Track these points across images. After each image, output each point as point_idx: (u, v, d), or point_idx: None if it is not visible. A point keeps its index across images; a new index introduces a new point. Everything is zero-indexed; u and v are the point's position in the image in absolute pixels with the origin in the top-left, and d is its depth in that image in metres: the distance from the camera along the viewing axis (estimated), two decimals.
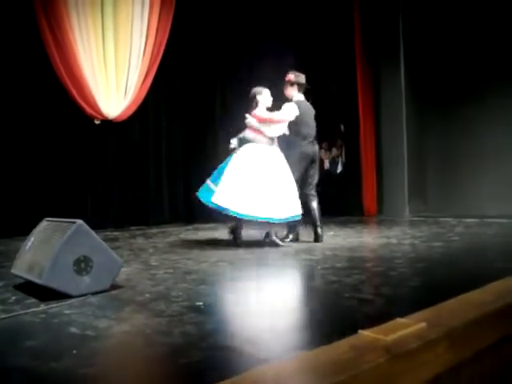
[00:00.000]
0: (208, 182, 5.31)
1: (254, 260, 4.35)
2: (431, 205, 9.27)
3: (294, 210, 5.14)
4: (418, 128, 9.36)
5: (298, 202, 5.21)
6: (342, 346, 1.84)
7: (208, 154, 8.97)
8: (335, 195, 9.49)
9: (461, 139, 8.84)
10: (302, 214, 5.25)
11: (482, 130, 8.55)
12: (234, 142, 5.49)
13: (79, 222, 3.01)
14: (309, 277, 3.83)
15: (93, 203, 7.69)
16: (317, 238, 5.46)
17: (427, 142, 9.44)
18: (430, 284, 3.21)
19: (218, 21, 8.99)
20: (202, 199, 5.23)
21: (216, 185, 5.15)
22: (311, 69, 8.46)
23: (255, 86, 5.57)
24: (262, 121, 5.29)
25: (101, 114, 7.49)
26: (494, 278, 2.98)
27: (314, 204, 5.53)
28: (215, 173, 5.34)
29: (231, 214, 5.03)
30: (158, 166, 8.56)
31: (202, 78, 8.94)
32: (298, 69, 5.93)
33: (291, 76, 5.66)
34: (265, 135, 5.30)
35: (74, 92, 7.16)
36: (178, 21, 8.23)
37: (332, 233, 6.40)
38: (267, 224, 5.25)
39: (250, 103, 5.44)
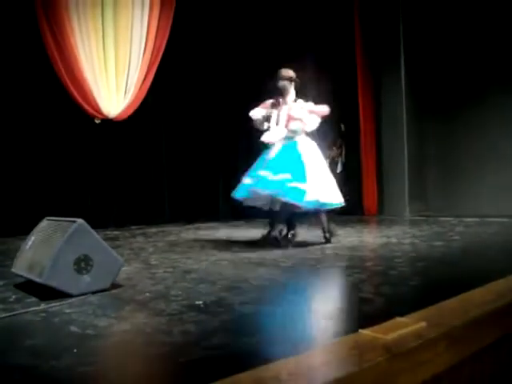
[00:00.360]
0: (279, 177, 4.94)
1: (254, 259, 4.35)
2: (431, 204, 9.28)
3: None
4: (418, 127, 9.37)
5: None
6: (342, 344, 1.85)
7: (208, 152, 9.00)
8: None
9: (461, 139, 8.85)
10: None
11: (482, 130, 8.56)
12: (281, 134, 5.24)
13: (80, 221, 3.01)
14: (308, 276, 3.83)
15: (93, 202, 7.69)
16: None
17: (428, 142, 9.45)
18: (430, 283, 3.22)
19: (217, 21, 8.98)
20: (291, 199, 4.93)
21: (303, 182, 4.93)
22: (312, 70, 8.50)
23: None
24: (316, 114, 5.35)
25: (101, 113, 7.50)
26: (495, 277, 2.98)
27: None
28: (290, 169, 5.00)
29: (330, 206, 5.16)
30: (158, 165, 8.56)
31: (201, 78, 8.94)
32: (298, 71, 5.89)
33: (292, 73, 5.61)
34: (305, 127, 5.33)
35: (75, 91, 7.17)
36: (179, 21, 8.23)
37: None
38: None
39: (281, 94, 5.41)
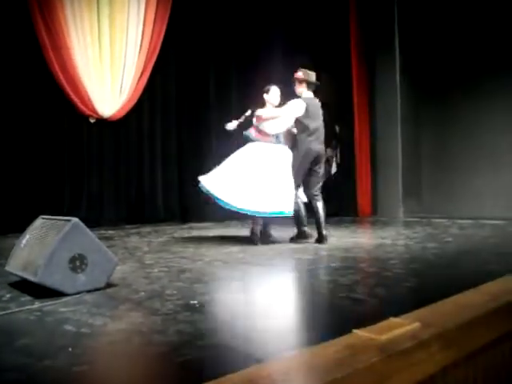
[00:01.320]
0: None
1: (248, 259, 4.36)
2: (425, 205, 9.30)
3: (281, 206, 5.13)
4: (412, 128, 9.39)
5: (290, 200, 5.19)
6: (336, 345, 1.85)
7: (203, 152, 8.98)
8: (330, 195, 9.50)
9: (456, 140, 8.87)
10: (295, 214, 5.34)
11: (477, 130, 8.57)
12: (232, 125, 5.57)
13: (75, 220, 3.01)
14: (303, 276, 3.84)
15: (87, 201, 7.67)
16: (320, 239, 5.34)
17: (422, 143, 9.48)
18: (423, 284, 3.23)
19: (213, 18, 8.97)
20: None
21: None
22: (306, 66, 8.48)
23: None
24: (261, 120, 5.42)
25: (96, 112, 7.49)
26: (488, 279, 3.00)
27: (318, 204, 5.42)
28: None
29: (220, 202, 5.19)
30: (152, 165, 8.55)
31: (197, 77, 8.94)
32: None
33: (299, 74, 5.63)
34: (267, 133, 5.41)
35: (70, 91, 7.16)
36: (176, 17, 8.23)
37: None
38: (254, 218, 5.39)
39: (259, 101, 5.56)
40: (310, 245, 5.28)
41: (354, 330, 1.96)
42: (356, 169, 9.63)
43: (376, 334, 1.89)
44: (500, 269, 3.41)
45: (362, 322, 2.08)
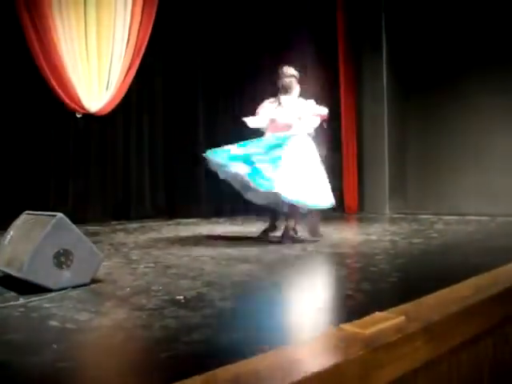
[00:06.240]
0: (258, 165, 4.90)
1: (235, 255, 4.35)
2: (411, 202, 9.36)
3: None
4: (399, 126, 9.44)
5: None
6: (322, 339, 1.86)
7: (190, 148, 8.96)
8: None
9: (441, 138, 8.93)
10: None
11: (462, 129, 8.63)
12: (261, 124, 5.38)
13: (60, 215, 2.99)
14: (289, 272, 3.85)
15: (73, 197, 7.61)
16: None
17: (408, 141, 9.53)
18: (409, 279, 3.26)
19: (199, 12, 8.93)
20: (257, 185, 4.87)
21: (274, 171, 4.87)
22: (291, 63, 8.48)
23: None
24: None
25: (82, 107, 7.43)
26: (472, 273, 3.03)
27: None
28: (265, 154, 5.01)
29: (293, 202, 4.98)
30: (139, 161, 8.49)
31: (185, 73, 8.90)
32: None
33: (295, 70, 5.63)
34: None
35: (55, 84, 7.08)
36: (163, 14, 8.19)
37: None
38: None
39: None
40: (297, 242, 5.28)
41: (340, 325, 1.97)
42: (343, 166, 9.65)
43: (361, 328, 1.90)
44: (484, 263, 3.44)
45: (349, 316, 2.09)
